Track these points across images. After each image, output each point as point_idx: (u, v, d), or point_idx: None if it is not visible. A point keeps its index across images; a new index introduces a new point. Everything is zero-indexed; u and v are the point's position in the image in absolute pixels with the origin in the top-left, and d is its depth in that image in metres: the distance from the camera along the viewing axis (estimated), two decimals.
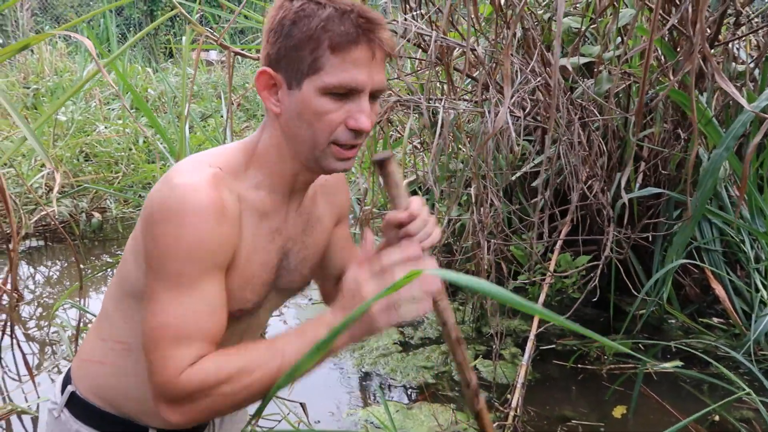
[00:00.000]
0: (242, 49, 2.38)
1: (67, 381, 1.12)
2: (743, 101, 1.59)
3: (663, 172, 2.75)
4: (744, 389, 1.87)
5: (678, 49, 2.34)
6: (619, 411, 2.14)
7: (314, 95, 0.86)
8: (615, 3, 1.72)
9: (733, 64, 2.51)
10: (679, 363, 2.42)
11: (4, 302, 3.01)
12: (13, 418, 2.14)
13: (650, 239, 2.81)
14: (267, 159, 0.94)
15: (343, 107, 0.87)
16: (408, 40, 1.69)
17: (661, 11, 1.80)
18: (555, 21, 2.37)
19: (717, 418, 2.10)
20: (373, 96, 0.90)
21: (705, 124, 2.16)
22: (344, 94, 0.87)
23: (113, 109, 5.39)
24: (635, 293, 2.66)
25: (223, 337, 0.90)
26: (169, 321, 0.84)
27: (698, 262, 2.69)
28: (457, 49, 2.16)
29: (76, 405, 1.09)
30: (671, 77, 2.28)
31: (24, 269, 3.65)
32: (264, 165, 0.95)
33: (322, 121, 0.87)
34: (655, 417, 2.11)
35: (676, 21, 1.66)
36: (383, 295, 0.71)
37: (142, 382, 1.05)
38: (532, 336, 2.20)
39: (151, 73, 6.77)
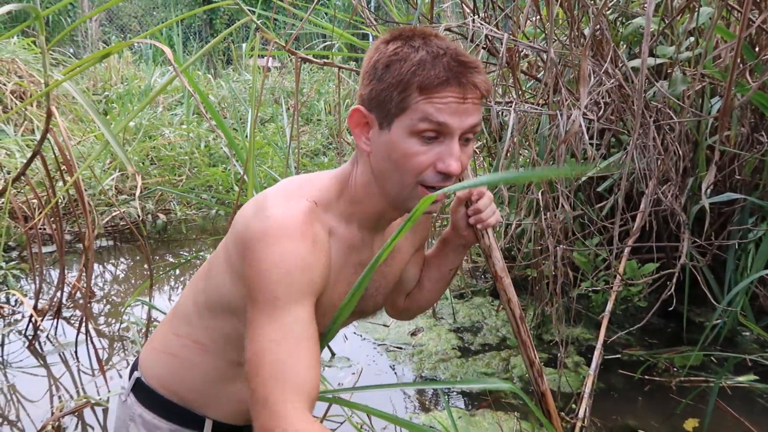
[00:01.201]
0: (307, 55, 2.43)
1: (134, 368, 1.20)
2: None
3: (737, 177, 2.63)
4: None
5: (757, 49, 2.24)
6: (690, 424, 2.05)
7: (403, 136, 0.88)
8: (694, 2, 1.66)
9: None
10: (754, 377, 2.30)
11: (76, 298, 3.16)
12: (86, 410, 2.24)
13: (723, 247, 2.70)
14: (357, 195, 0.97)
15: (432, 150, 0.88)
16: (477, 44, 1.68)
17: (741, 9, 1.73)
18: (625, 22, 2.31)
19: None
20: (466, 138, 0.91)
21: None
22: (434, 136, 0.88)
23: (176, 115, 5.58)
24: (707, 303, 2.55)
25: None
26: (264, 347, 0.86)
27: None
28: (523, 51, 2.13)
29: (140, 391, 1.16)
30: (749, 78, 2.19)
31: (94, 268, 3.82)
32: (354, 200, 0.98)
33: (411, 162, 0.89)
34: (727, 430, 2.01)
35: (761, 21, 1.59)
36: None
37: (208, 378, 1.11)
38: (599, 344, 2.14)
39: (212, 79, 6.98)
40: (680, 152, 1.79)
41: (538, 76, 2.12)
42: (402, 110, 0.87)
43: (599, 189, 2.48)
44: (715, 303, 2.53)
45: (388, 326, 2.80)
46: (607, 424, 2.08)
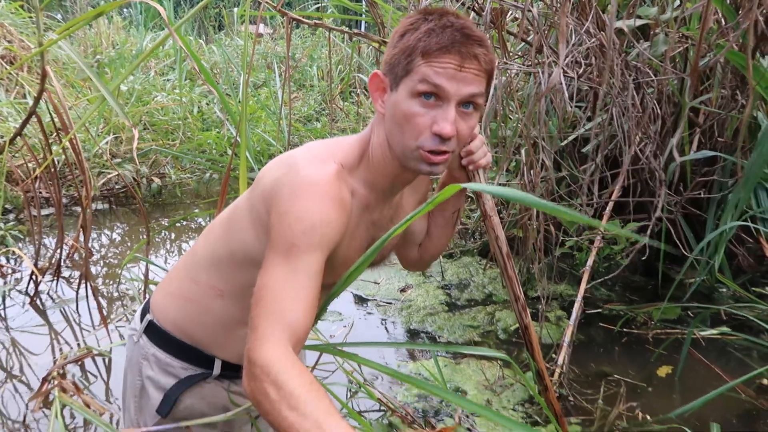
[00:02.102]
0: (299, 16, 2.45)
1: (145, 311, 1.27)
2: None
3: (719, 138, 2.71)
4: None
5: (740, 12, 2.29)
6: (664, 371, 2.17)
7: (406, 97, 0.95)
8: None
9: None
10: (727, 329, 2.41)
11: (75, 259, 3.23)
12: (88, 361, 2.33)
13: (703, 208, 2.78)
14: (375, 159, 1.05)
15: (429, 113, 0.95)
16: (462, 4, 1.72)
17: None
18: None
19: (765, 381, 2.10)
20: (465, 106, 0.97)
21: (765, 87, 2.12)
22: (432, 100, 0.94)
23: (169, 80, 5.58)
24: (691, 263, 2.66)
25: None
26: (270, 283, 0.95)
27: (748, 225, 2.64)
28: (510, 12, 2.17)
29: (153, 332, 1.24)
30: (731, 40, 2.24)
31: (90, 231, 3.87)
32: (372, 164, 1.06)
33: (410, 123, 0.96)
34: (701, 379, 2.13)
35: None
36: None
37: (222, 322, 1.20)
38: (579, 297, 2.24)
39: (204, 45, 6.93)
40: (658, 111, 1.85)
41: (525, 37, 2.16)
42: (407, 73, 0.94)
43: (584, 150, 2.55)
44: (694, 261, 2.65)
45: (378, 283, 2.89)
46: (585, 372, 2.20)
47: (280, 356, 0.91)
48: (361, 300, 2.78)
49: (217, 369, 1.23)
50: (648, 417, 1.95)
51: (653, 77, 1.87)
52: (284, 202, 0.97)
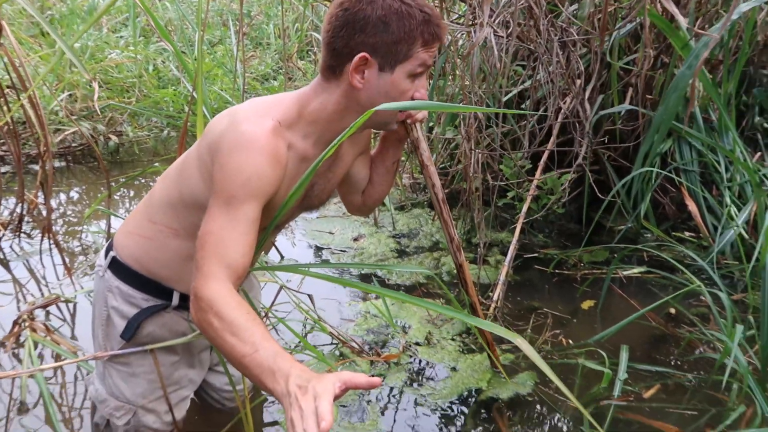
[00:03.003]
0: None
1: (109, 248, 1.42)
2: (682, 21, 1.77)
3: (648, 96, 2.93)
4: (696, 283, 2.14)
5: None
6: (587, 305, 2.43)
7: (403, 78, 1.17)
8: None
9: None
10: (645, 268, 2.68)
11: (36, 215, 3.28)
12: (54, 309, 2.44)
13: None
14: (322, 117, 1.21)
15: (413, 85, 1.19)
16: None
17: None
18: None
19: (673, 311, 2.37)
20: None
21: (682, 47, 2.33)
22: (417, 76, 1.18)
23: (122, 37, 5.50)
24: (619, 211, 2.91)
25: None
26: (214, 229, 1.12)
27: (660, 171, 2.89)
28: None
29: (116, 267, 1.40)
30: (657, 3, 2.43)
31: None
32: (317, 121, 1.22)
33: (403, 97, 1.19)
34: (620, 311, 2.39)
35: None
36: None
37: (178, 258, 1.35)
38: (514, 240, 2.46)
39: (157, 1, 6.79)
40: (581, 68, 2.04)
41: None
42: (407, 58, 1.14)
43: (522, 106, 2.74)
44: (623, 209, 2.90)
45: (333, 233, 3.06)
46: (518, 307, 2.43)
47: (222, 292, 1.10)
48: (316, 249, 2.95)
49: (175, 300, 1.40)
50: (570, 342, 2.20)
51: (575, 36, 2.04)
52: (224, 156, 1.13)
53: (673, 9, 1.74)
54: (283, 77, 5.38)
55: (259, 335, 1.03)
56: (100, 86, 4.63)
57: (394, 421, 1.83)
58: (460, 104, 2.34)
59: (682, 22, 1.78)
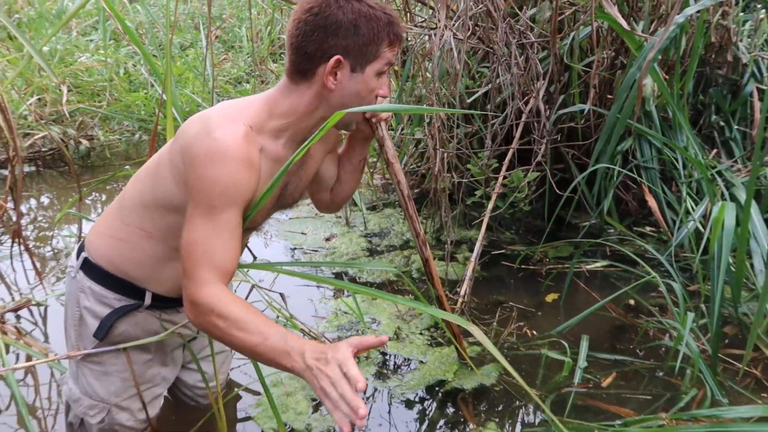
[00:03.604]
0: None
1: (81, 249, 1.45)
2: (623, 23, 1.87)
3: (609, 96, 3.04)
4: (652, 275, 2.24)
5: None
6: (551, 297, 2.51)
7: (372, 77, 1.25)
8: None
9: None
10: (607, 262, 2.77)
11: (5, 219, 3.26)
12: (25, 313, 2.44)
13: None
14: (293, 117, 1.27)
15: (378, 82, 1.26)
16: None
17: None
18: None
19: (633, 302, 2.47)
20: None
21: (636, 48, 2.43)
22: (382, 74, 1.26)
23: (92, 41, 5.47)
24: (584, 209, 3.02)
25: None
26: (199, 239, 1.17)
27: (614, 168, 2.99)
28: None
29: (89, 268, 1.42)
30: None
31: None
32: (288, 122, 1.27)
33: (372, 94, 1.27)
34: (582, 303, 2.48)
35: None
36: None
37: (151, 259, 1.39)
38: (480, 236, 2.54)
39: (127, 3, 6.76)
40: (539, 70, 2.12)
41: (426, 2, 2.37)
42: (376, 58, 1.22)
43: (487, 107, 2.82)
44: (587, 206, 3.00)
45: (305, 234, 3.11)
46: (484, 301, 2.51)
47: (218, 294, 1.16)
48: (289, 249, 2.99)
49: (147, 300, 1.43)
50: (535, 333, 2.28)
51: (533, 39, 2.13)
52: (200, 166, 1.17)
53: (615, 12, 1.84)
54: (256, 80, 5.41)
55: (263, 323, 1.12)
56: (70, 90, 4.60)
57: None
58: (424, 106, 2.41)
59: (623, 23, 1.87)
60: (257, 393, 1.96)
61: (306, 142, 1.15)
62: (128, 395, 1.51)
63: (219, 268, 1.19)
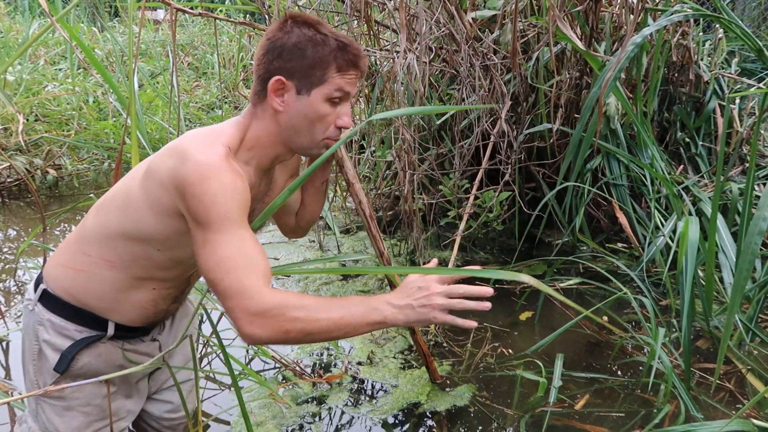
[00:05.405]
0: (186, 7, 2.56)
1: (39, 281, 1.40)
2: (579, 44, 1.91)
3: (576, 115, 3.08)
4: (624, 291, 2.25)
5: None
6: (525, 316, 2.51)
7: (320, 101, 1.23)
8: None
9: None
10: (580, 280, 2.79)
11: None
12: None
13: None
14: (258, 143, 1.27)
15: (334, 111, 1.24)
16: None
17: None
18: None
19: (606, 318, 2.48)
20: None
21: (599, 68, 2.47)
22: (337, 102, 1.23)
23: (60, 70, 5.42)
24: (555, 227, 3.03)
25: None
26: (232, 253, 1.13)
27: (581, 186, 3.03)
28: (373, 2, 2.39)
29: (48, 300, 1.37)
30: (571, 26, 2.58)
31: None
32: (254, 148, 1.27)
33: (323, 121, 1.24)
34: (557, 321, 2.48)
35: None
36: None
37: (113, 289, 1.35)
38: (452, 257, 2.53)
39: (97, 32, 6.73)
40: (503, 90, 2.15)
41: (389, 26, 2.40)
42: (322, 82, 1.20)
43: (454, 129, 2.84)
44: (559, 224, 3.02)
45: (278, 259, 3.07)
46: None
47: (277, 292, 1.14)
48: None
49: (110, 330, 1.38)
50: (511, 352, 2.27)
51: (496, 61, 2.15)
52: (195, 187, 1.14)
53: (571, 33, 1.87)
54: (229, 106, 5.40)
55: (331, 299, 1.13)
56: (37, 119, 4.54)
57: None
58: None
59: (579, 44, 1.91)
60: (226, 423, 1.91)
61: (304, 173, 1.17)
62: (91, 430, 1.45)
63: (264, 274, 1.15)
